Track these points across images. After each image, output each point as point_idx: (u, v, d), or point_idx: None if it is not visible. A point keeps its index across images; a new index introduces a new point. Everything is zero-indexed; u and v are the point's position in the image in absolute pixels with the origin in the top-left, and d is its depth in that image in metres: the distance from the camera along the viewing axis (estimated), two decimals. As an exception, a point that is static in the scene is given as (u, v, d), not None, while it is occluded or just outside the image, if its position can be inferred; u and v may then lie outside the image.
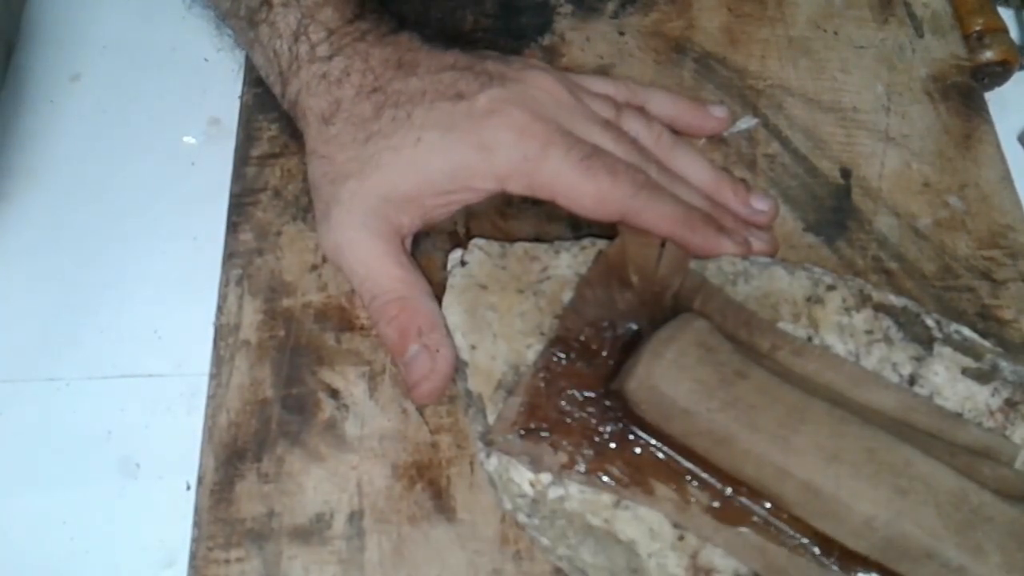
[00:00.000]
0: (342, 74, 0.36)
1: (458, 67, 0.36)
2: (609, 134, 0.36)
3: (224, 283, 0.38)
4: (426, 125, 0.35)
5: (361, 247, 0.35)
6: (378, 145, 0.35)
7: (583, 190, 0.35)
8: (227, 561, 0.33)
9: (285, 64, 0.37)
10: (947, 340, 0.34)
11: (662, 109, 0.40)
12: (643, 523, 0.30)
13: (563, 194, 0.35)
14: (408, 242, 0.37)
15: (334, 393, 0.36)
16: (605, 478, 0.31)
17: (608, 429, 0.32)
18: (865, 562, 0.29)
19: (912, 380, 0.33)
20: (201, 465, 0.34)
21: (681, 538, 0.30)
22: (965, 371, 0.33)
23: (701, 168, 0.39)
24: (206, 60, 0.45)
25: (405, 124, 0.35)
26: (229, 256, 0.39)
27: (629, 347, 0.33)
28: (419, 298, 0.35)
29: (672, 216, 0.35)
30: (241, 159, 0.41)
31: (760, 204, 0.39)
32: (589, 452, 0.31)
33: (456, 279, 0.36)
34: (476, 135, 0.35)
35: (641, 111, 0.39)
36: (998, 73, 0.44)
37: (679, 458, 0.31)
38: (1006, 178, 0.41)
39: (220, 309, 0.38)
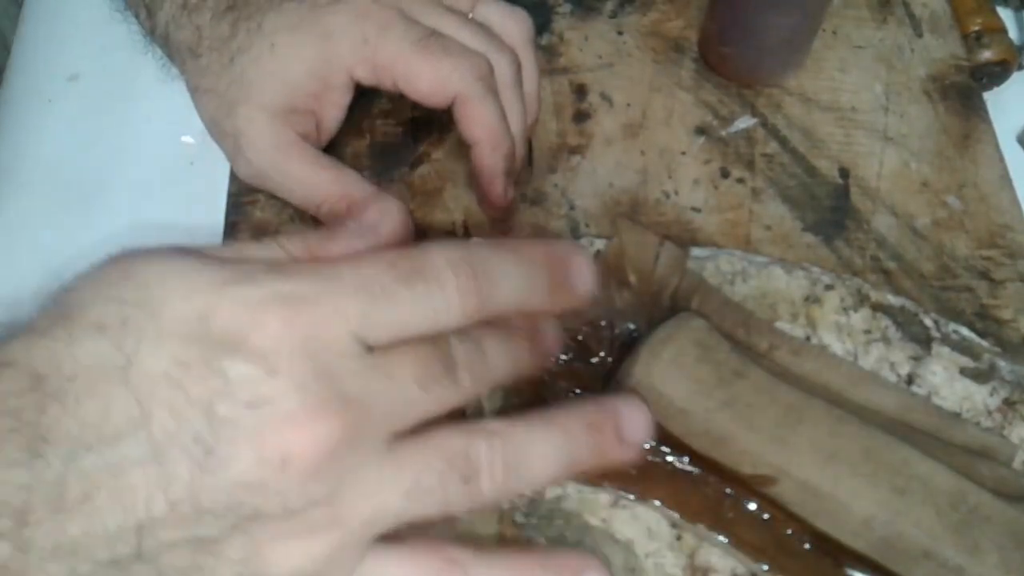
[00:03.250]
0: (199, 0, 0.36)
1: None
2: (454, 20, 0.35)
3: (222, 282, 0.38)
4: (276, 29, 0.34)
5: (286, 167, 0.35)
6: (243, 62, 0.35)
7: (419, 71, 0.33)
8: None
9: None
10: (945, 340, 0.34)
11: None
12: (641, 523, 0.30)
13: (402, 76, 0.34)
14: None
15: (332, 393, 0.36)
16: (603, 478, 0.31)
17: (606, 429, 0.32)
18: (863, 561, 0.29)
19: (910, 380, 0.33)
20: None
21: (679, 538, 0.30)
22: (963, 371, 0.33)
23: (536, 93, 0.39)
24: (204, 59, 0.45)
25: (258, 34, 0.35)
26: (227, 255, 0.39)
27: (627, 346, 0.33)
28: (357, 186, 0.36)
29: (494, 127, 0.34)
30: (239, 158, 0.41)
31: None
32: (587, 452, 0.31)
33: (454, 278, 0.36)
34: (319, 26, 0.34)
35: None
36: (997, 73, 0.44)
37: (677, 457, 0.31)
38: (1004, 178, 0.41)
39: (218, 308, 0.38)
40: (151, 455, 0.19)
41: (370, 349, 0.21)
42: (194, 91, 0.37)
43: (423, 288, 0.21)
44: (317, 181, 0.36)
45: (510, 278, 0.23)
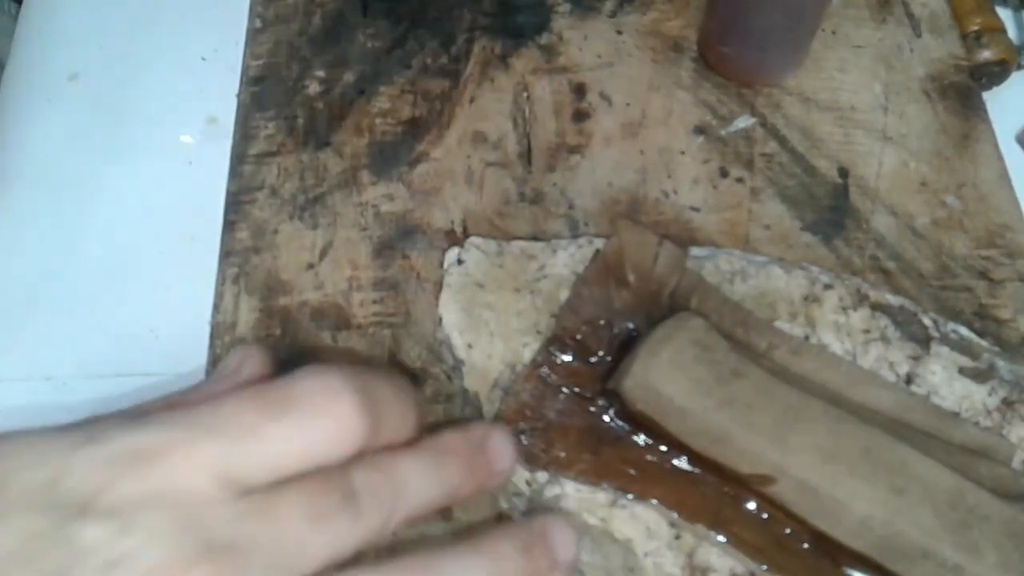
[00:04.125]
0: None
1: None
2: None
3: (220, 281, 0.38)
4: None
5: None
6: None
7: None
8: (223, 560, 0.33)
9: None
10: (944, 339, 0.34)
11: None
12: (640, 522, 0.30)
13: None
14: None
15: (331, 392, 0.36)
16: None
17: (605, 428, 0.32)
18: (862, 560, 0.29)
19: (909, 379, 0.33)
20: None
21: (677, 537, 0.30)
22: (962, 370, 0.33)
23: None
24: (203, 59, 0.45)
25: None
26: (226, 254, 0.39)
27: (626, 346, 0.33)
28: None
29: None
30: (238, 158, 0.41)
31: None
32: (585, 451, 0.31)
33: (453, 278, 0.36)
34: None
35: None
36: (996, 73, 0.44)
37: (676, 457, 0.31)
38: (1003, 177, 0.41)
39: (216, 308, 0.38)
40: None
41: (247, 492, 0.19)
42: None
43: (294, 420, 0.20)
44: None
45: (397, 405, 0.21)
